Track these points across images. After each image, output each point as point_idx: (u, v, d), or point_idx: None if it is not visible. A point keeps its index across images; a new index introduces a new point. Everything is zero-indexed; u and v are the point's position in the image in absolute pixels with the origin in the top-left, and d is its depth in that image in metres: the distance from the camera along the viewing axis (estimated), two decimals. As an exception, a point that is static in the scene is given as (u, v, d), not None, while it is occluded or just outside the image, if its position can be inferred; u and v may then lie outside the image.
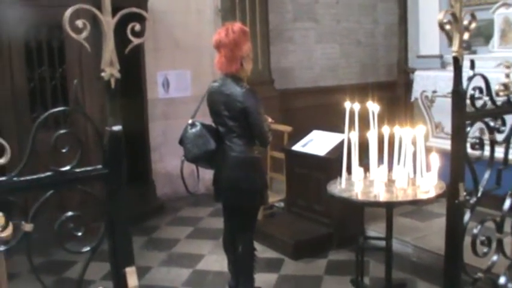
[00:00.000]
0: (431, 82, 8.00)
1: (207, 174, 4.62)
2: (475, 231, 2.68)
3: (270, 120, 4.50)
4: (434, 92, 7.95)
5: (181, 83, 7.79)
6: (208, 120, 4.45)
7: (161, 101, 7.70)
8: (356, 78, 9.17)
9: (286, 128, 6.38)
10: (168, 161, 7.43)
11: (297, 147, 6.11)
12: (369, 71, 9.41)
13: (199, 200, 6.96)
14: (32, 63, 6.04)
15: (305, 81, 8.75)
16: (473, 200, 2.63)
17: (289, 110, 7.86)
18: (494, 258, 2.83)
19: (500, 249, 2.86)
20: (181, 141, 4.35)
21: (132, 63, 6.99)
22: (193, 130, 4.26)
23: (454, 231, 2.61)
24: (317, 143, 5.97)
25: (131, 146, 7.39)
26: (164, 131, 7.45)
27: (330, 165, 5.42)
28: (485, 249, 2.74)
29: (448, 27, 2.45)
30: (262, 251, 5.33)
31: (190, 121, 4.33)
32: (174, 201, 7.38)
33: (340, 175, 4.30)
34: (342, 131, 4.40)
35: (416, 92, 8.22)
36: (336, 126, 5.40)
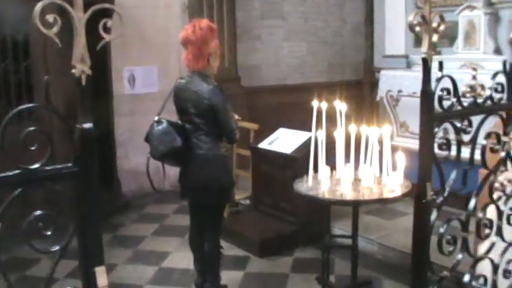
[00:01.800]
0: (397, 82, 8.10)
1: (173, 171, 4.59)
2: (441, 230, 2.70)
3: (237, 117, 4.49)
4: (399, 91, 8.05)
5: (148, 79, 7.73)
6: (175, 118, 4.43)
7: (127, 97, 7.63)
8: (323, 77, 9.21)
9: (253, 126, 6.38)
10: (133, 158, 7.37)
11: (264, 144, 6.11)
12: (335, 69, 9.46)
13: (164, 197, 6.91)
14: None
15: (272, 79, 8.75)
16: (439, 200, 2.66)
17: (256, 108, 7.86)
18: (460, 256, 2.85)
19: (465, 247, 2.89)
20: (147, 139, 4.30)
21: (98, 58, 6.90)
22: (160, 127, 4.22)
23: (421, 230, 2.63)
24: (283, 141, 5.99)
25: (97, 143, 7.36)
26: (130, 127, 7.38)
27: (296, 163, 5.45)
28: (450, 248, 2.76)
29: (417, 28, 2.47)
30: (228, 249, 5.32)
31: (156, 118, 4.29)
32: (140, 198, 7.33)
33: (307, 173, 4.33)
34: (309, 129, 4.42)
35: (381, 92, 8.31)
36: (302, 124, 5.42)
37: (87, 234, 1.75)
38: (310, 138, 4.41)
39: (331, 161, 4.29)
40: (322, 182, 4.22)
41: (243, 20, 8.36)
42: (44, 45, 5.69)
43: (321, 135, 4.21)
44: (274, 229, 5.81)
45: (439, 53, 7.58)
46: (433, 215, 2.63)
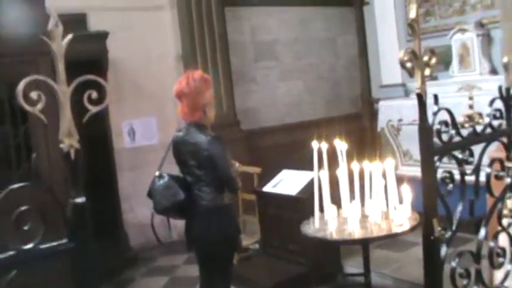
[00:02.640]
0: (396, 111, 8.08)
1: (180, 222, 4.55)
2: (453, 264, 2.65)
3: (237, 165, 4.46)
4: (399, 120, 8.02)
5: (148, 131, 7.74)
6: (177, 170, 4.40)
7: (128, 150, 7.62)
8: (321, 113, 9.19)
9: (256, 170, 6.35)
10: (139, 211, 7.31)
11: (268, 188, 6.07)
12: (333, 104, 9.45)
13: (173, 248, 6.85)
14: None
15: (270, 120, 8.74)
16: (448, 235, 2.61)
17: (257, 150, 7.84)
18: (475, 289, 2.80)
19: (479, 279, 2.84)
20: (150, 194, 4.28)
21: (96, 114, 6.92)
22: (161, 182, 4.20)
23: (432, 266, 2.58)
24: (287, 182, 5.95)
25: (100, 198, 7.32)
26: (133, 181, 7.35)
27: (302, 204, 5.39)
28: (464, 282, 2.71)
29: (409, 64, 2.46)
30: (240, 296, 5.25)
31: (157, 173, 4.27)
32: (149, 251, 7.26)
33: (313, 214, 4.28)
34: (311, 168, 4.38)
35: (382, 122, 8.28)
36: (304, 163, 5.39)
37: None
38: (313, 178, 4.37)
39: (336, 199, 4.25)
40: (329, 222, 4.17)
41: (238, 64, 8.39)
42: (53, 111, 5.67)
43: (324, 175, 4.18)
44: (285, 272, 5.72)
45: (435, 78, 7.59)
46: (443, 250, 2.59)
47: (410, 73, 2.46)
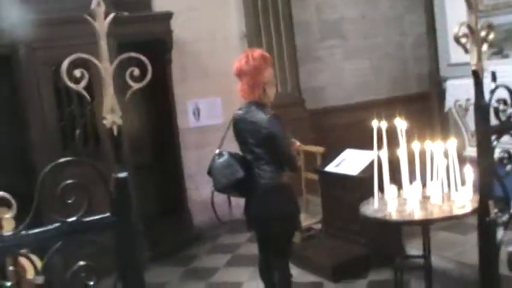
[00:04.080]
0: (464, 90, 7.85)
1: (242, 200, 4.57)
2: (511, 248, 2.58)
3: (297, 144, 4.45)
4: (467, 100, 7.80)
5: (212, 111, 7.79)
6: (237, 147, 4.43)
7: (193, 129, 7.71)
8: (387, 93, 9.03)
9: (319, 149, 6.32)
10: (203, 190, 7.36)
11: (330, 167, 6.03)
12: (400, 84, 9.27)
13: (236, 226, 6.89)
14: (62, 102, 6.11)
15: (336, 100, 8.65)
16: (505, 217, 2.54)
17: (321, 129, 7.79)
18: (534, 274, 2.72)
19: (541, 264, 2.75)
20: (210, 172, 4.33)
21: (161, 94, 7.04)
22: (221, 160, 4.24)
23: (487, 249, 2.52)
24: (350, 162, 5.89)
25: (165, 176, 7.46)
26: (198, 159, 7.43)
27: (364, 184, 5.31)
28: (523, 266, 2.63)
29: (464, 40, 2.39)
30: (301, 275, 5.26)
31: (217, 151, 4.31)
32: (212, 229, 7.32)
33: (374, 194, 4.23)
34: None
35: (449, 102, 8.08)
36: (368, 143, 5.33)
37: (130, 282, 1.74)
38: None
39: (397, 180, 4.19)
40: (389, 203, 4.11)
41: (303, 43, 8.33)
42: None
43: (384, 154, 4.12)
44: (346, 252, 5.71)
45: (506, 56, 7.36)
46: (499, 234, 2.52)
47: (466, 49, 2.39)
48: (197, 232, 7.35)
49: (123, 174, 1.73)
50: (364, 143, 5.86)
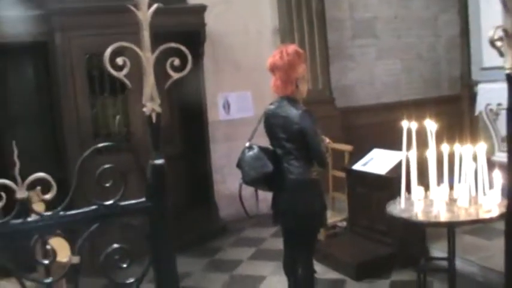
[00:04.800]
0: (496, 94, 7.80)
1: (269, 194, 4.61)
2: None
3: (327, 140, 4.47)
4: (499, 104, 7.75)
5: (243, 104, 7.83)
6: (267, 142, 4.46)
7: (223, 122, 7.76)
8: (418, 94, 9.03)
9: (347, 147, 6.34)
10: (230, 182, 7.44)
11: (358, 166, 6.05)
12: (431, 85, 9.26)
13: (262, 220, 6.93)
14: (95, 90, 6.20)
15: (366, 99, 8.68)
16: (533, 221, 2.55)
17: (351, 128, 7.81)
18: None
19: None
20: (239, 165, 4.36)
21: (192, 86, 7.10)
22: (251, 153, 4.27)
23: (514, 253, 2.54)
24: (378, 161, 5.91)
25: (194, 168, 7.53)
26: (227, 152, 7.48)
27: (391, 184, 5.34)
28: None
29: (499, 43, 2.40)
30: (324, 272, 5.29)
31: (247, 144, 4.34)
32: (237, 222, 7.38)
33: (400, 194, 4.24)
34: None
35: (480, 106, 8.03)
36: (398, 144, 5.34)
37: (162, 267, 1.79)
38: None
39: (425, 182, 4.19)
40: (416, 203, 4.12)
41: (335, 40, 8.36)
42: (139, 77, 5.89)
43: (412, 155, 4.12)
44: (370, 251, 5.72)
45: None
46: (526, 238, 2.53)
47: (501, 52, 2.40)
48: (223, 225, 7.41)
49: (159, 161, 1.78)
50: (393, 143, 5.88)
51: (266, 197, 4.77)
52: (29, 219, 1.62)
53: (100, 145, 1.82)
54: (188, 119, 7.49)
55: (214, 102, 7.66)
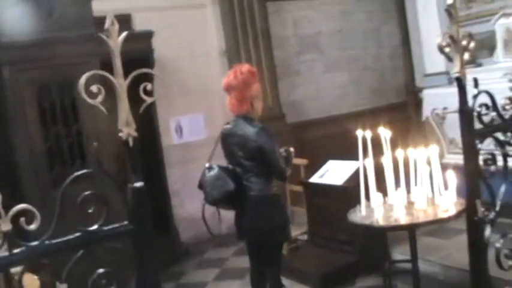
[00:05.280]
0: (440, 99, 8.04)
1: (228, 214, 4.66)
2: (498, 245, 2.70)
3: (291, 149, 4.54)
4: (444, 108, 7.97)
5: (195, 127, 7.87)
6: (224, 162, 4.52)
7: (176, 146, 7.78)
8: (367, 104, 9.22)
9: (302, 161, 6.42)
10: (189, 205, 7.45)
11: (315, 178, 6.16)
12: (378, 95, 9.46)
13: (223, 240, 6.97)
14: (47, 122, 6.14)
15: (316, 112, 8.80)
16: (492, 215, 2.67)
17: (303, 142, 7.90)
18: (520, 270, 2.85)
19: (525, 261, 2.88)
20: (201, 185, 4.41)
21: (144, 112, 7.09)
22: (212, 173, 4.32)
23: (477, 248, 2.64)
24: (334, 172, 6.02)
25: (150, 194, 7.51)
26: (182, 176, 7.50)
27: (349, 193, 5.45)
28: (510, 262, 2.76)
29: (447, 49, 2.52)
30: (291, 286, 5.35)
31: (207, 165, 4.39)
32: (199, 244, 7.40)
33: (360, 202, 4.35)
34: (358, 158, 4.44)
35: (426, 111, 8.25)
36: (351, 154, 5.45)
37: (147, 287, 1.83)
38: (359, 168, 4.43)
39: (382, 188, 4.31)
40: (376, 210, 4.24)
41: (281, 57, 8.48)
42: (92, 106, 5.89)
43: (369, 163, 4.24)
44: (333, 261, 5.80)
45: (479, 65, 7.56)
46: (487, 231, 2.64)
47: (449, 58, 2.53)
48: (185, 248, 7.41)
49: (139, 184, 1.82)
50: (346, 154, 6.01)
51: (225, 216, 4.82)
52: (15, 250, 1.64)
53: (80, 172, 1.85)
54: (143, 145, 7.47)
55: (166, 127, 7.67)
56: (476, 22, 7.67)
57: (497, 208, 2.70)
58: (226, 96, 4.42)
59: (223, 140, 4.46)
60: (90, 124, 6.06)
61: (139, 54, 6.92)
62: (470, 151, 2.60)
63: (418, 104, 9.05)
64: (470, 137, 2.59)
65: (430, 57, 8.77)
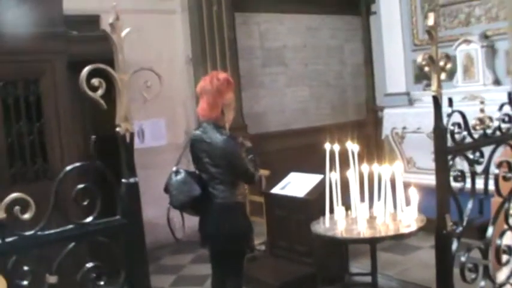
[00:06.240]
0: (400, 119, 8.24)
1: (190, 222, 4.66)
2: (463, 259, 2.79)
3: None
4: (404, 128, 8.17)
5: (157, 132, 7.85)
6: (192, 167, 4.53)
7: (137, 151, 7.66)
8: (327, 119, 9.35)
9: (264, 172, 6.45)
10: (148, 211, 7.32)
11: (276, 190, 6.20)
12: (339, 111, 9.62)
13: (180, 247, 6.96)
14: (10, 119, 6.06)
15: (278, 125, 8.90)
16: (459, 230, 2.76)
17: (264, 154, 7.93)
18: (482, 283, 2.95)
19: (487, 275, 2.99)
20: (166, 189, 4.41)
21: (107, 115, 7.05)
22: (178, 177, 4.33)
23: (444, 261, 2.73)
24: (295, 184, 6.08)
25: (109, 198, 7.46)
26: (142, 180, 7.42)
27: (310, 206, 5.52)
28: (473, 276, 2.86)
29: (426, 68, 2.61)
30: (249, 295, 5.38)
31: (174, 168, 4.39)
32: (156, 250, 7.36)
33: (322, 215, 4.42)
34: (317, 171, 4.51)
35: (386, 130, 8.44)
36: (311, 167, 5.52)
37: (136, 283, 1.84)
38: (321, 181, 4.52)
39: (345, 201, 4.39)
40: (339, 222, 4.31)
41: (246, 69, 8.56)
42: (55, 104, 5.85)
43: (334, 176, 4.32)
44: (292, 272, 5.84)
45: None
46: (454, 245, 2.73)
47: (428, 76, 2.61)
48: (140, 253, 7.35)
49: (133, 180, 1.84)
50: (305, 167, 6.10)
51: (186, 224, 4.81)
52: (7, 240, 1.64)
53: (78, 164, 1.86)
54: (105, 148, 7.42)
55: (129, 130, 7.63)
56: (438, 46, 7.86)
57: (464, 223, 2.80)
58: (191, 102, 4.44)
59: (191, 146, 4.48)
60: (53, 121, 6.02)
61: (105, 56, 6.88)
62: (442, 167, 2.68)
63: (377, 122, 9.25)
64: (444, 153, 2.68)
65: (392, 78, 8.99)
